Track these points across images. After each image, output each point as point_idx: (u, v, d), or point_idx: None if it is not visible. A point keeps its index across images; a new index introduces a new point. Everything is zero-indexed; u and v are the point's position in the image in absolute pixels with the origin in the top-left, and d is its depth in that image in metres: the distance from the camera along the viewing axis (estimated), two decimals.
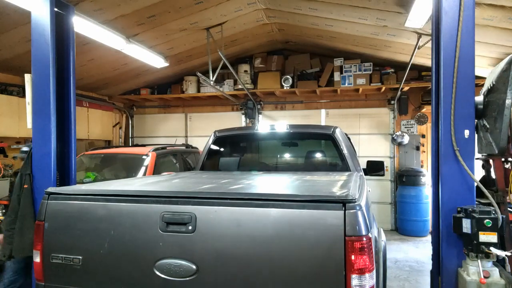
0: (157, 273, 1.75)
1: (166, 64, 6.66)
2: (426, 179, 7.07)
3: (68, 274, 1.91)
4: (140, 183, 2.56)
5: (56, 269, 1.93)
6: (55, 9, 3.21)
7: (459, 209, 2.54)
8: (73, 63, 3.45)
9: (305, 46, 7.59)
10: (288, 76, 7.60)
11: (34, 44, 3.15)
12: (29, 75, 3.25)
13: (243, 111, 8.37)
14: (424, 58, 6.22)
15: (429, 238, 6.72)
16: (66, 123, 3.42)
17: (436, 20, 2.77)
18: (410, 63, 5.83)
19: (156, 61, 6.38)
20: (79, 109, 7.13)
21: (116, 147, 7.18)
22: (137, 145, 8.09)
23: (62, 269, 1.92)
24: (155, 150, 5.24)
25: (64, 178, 3.42)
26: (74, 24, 3.50)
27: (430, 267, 2.96)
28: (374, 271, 1.61)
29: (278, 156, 4.40)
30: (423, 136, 7.66)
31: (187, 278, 1.71)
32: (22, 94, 5.85)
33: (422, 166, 7.61)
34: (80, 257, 1.89)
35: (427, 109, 7.31)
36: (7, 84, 5.90)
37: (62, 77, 3.39)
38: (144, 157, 5.06)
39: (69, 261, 1.90)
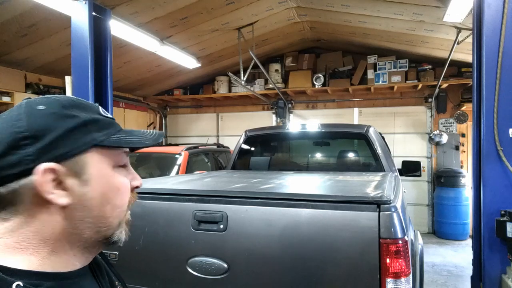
0: (190, 270, 1.77)
1: (198, 65, 6.77)
2: (466, 180, 6.76)
3: None
4: (173, 181, 2.61)
5: None
6: (93, 13, 3.34)
7: (502, 212, 2.41)
8: (110, 65, 3.58)
9: (337, 43, 7.46)
10: (320, 75, 7.50)
11: (74, 47, 3.29)
12: (69, 77, 3.39)
13: (274, 111, 8.35)
14: (464, 54, 5.94)
15: (469, 242, 6.41)
16: None
17: (478, 13, 2.64)
18: (449, 59, 5.58)
19: (188, 62, 6.50)
20: (116, 110, 7.40)
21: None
22: (170, 145, 8.29)
23: None
24: (187, 149, 5.34)
25: None
26: (111, 27, 3.63)
27: (469, 272, 2.83)
28: (411, 275, 1.55)
29: (310, 155, 4.35)
30: (463, 135, 7.32)
31: (219, 277, 1.72)
32: None
33: (461, 167, 7.27)
34: (116, 253, 1.95)
35: (467, 107, 6.96)
36: (49, 86, 6.22)
37: (100, 79, 3.52)
38: (177, 156, 5.17)
39: (107, 256, 1.96)
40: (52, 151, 0.63)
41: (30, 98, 0.71)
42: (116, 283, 0.88)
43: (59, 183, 0.64)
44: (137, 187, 0.78)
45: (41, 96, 0.72)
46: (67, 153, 0.64)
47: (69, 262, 0.70)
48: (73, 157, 0.65)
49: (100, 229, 0.71)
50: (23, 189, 0.62)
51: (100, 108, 0.75)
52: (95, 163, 0.68)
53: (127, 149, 0.75)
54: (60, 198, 0.64)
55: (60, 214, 0.66)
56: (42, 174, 0.62)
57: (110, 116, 0.75)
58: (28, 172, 0.62)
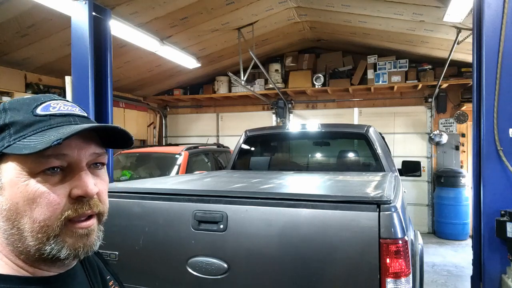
0: (190, 270, 1.77)
1: (198, 65, 6.76)
2: (466, 180, 6.76)
3: None
4: (173, 181, 2.61)
5: None
6: (93, 13, 3.33)
7: (502, 212, 2.41)
8: (110, 65, 3.58)
9: (337, 43, 7.46)
10: (320, 75, 7.50)
11: (74, 47, 3.29)
12: (69, 77, 3.39)
13: (273, 111, 8.35)
14: (464, 54, 5.93)
15: (468, 242, 6.41)
16: (103, 123, 3.54)
17: (478, 13, 2.64)
18: (449, 59, 5.58)
19: (188, 62, 6.49)
20: (116, 110, 7.39)
21: (150, 146, 7.38)
22: (170, 145, 8.29)
23: None
24: (187, 149, 5.34)
25: None
26: (111, 27, 3.63)
27: (469, 272, 2.83)
28: (411, 275, 1.55)
29: (310, 155, 4.35)
30: (463, 135, 7.32)
31: (219, 277, 1.72)
32: (63, 96, 6.13)
33: (461, 167, 7.27)
34: (117, 253, 1.95)
35: (467, 107, 6.96)
36: (49, 86, 6.22)
37: (100, 79, 3.52)
38: (177, 156, 5.17)
39: (106, 256, 1.96)
40: None
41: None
42: (111, 283, 0.85)
43: None
44: (80, 196, 0.64)
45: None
46: None
47: (39, 268, 0.66)
48: None
49: (28, 244, 0.63)
50: None
51: (44, 104, 0.67)
52: (8, 170, 0.63)
53: (68, 152, 0.64)
54: None
55: None
56: None
57: (58, 112, 0.66)
58: None
